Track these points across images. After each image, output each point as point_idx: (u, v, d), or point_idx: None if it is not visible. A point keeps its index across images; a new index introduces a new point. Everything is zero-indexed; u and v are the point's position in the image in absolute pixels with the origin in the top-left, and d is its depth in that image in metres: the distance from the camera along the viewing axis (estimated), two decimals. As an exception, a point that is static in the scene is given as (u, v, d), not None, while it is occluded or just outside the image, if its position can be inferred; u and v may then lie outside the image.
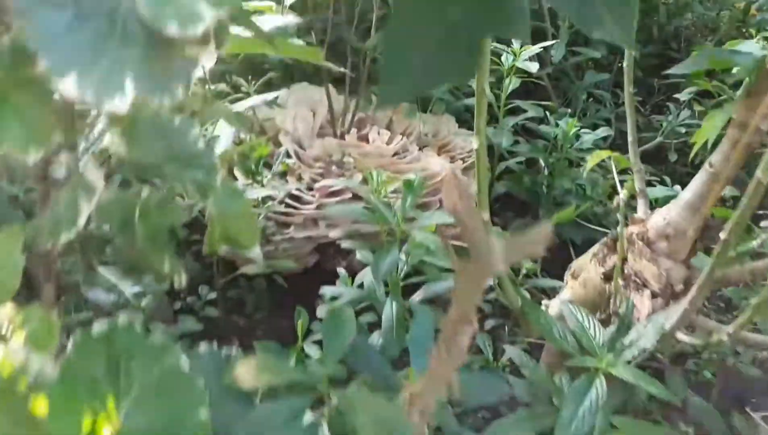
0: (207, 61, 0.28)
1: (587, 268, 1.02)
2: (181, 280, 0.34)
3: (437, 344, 0.40)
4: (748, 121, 0.84)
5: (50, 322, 0.33)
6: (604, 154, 0.95)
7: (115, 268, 0.64)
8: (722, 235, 0.70)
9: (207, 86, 1.25)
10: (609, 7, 0.35)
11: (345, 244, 0.96)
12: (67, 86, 0.25)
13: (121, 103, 0.25)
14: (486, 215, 0.80)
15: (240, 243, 0.44)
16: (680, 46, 2.12)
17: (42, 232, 0.33)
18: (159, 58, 0.26)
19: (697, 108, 1.72)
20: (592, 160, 0.96)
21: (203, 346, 0.49)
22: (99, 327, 0.35)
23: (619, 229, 0.85)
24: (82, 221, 0.33)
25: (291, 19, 0.87)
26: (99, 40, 0.25)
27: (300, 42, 1.00)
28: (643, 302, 0.91)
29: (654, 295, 0.92)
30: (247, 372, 0.45)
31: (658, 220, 0.94)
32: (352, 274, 1.12)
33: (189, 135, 0.37)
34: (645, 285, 0.93)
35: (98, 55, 0.25)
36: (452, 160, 1.60)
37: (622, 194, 0.79)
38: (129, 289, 0.66)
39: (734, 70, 1.01)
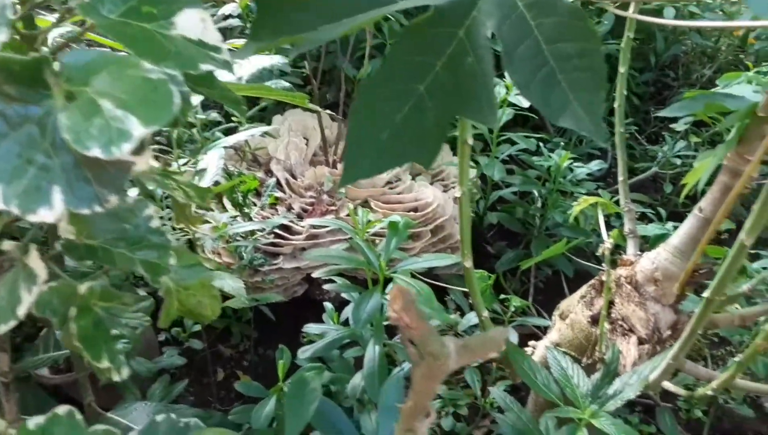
0: (142, 166, 0.27)
1: (575, 309, 1.01)
2: (122, 374, 0.32)
3: (396, 432, 0.39)
4: (738, 168, 0.82)
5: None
6: (591, 199, 0.94)
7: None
8: (705, 294, 0.68)
9: (197, 116, 1.24)
10: (575, 94, 0.33)
11: (328, 287, 0.95)
12: (-9, 198, 0.24)
13: (48, 214, 0.24)
14: (469, 263, 0.79)
15: (201, 315, 0.43)
16: (678, 73, 2.11)
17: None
18: (90, 167, 0.25)
19: (693, 139, 1.71)
20: (578, 206, 0.95)
21: (161, 416, 0.47)
22: (36, 419, 0.34)
23: (605, 277, 0.83)
24: (22, 312, 0.32)
25: (278, 60, 0.86)
26: (26, 149, 0.24)
27: (286, 83, 1.00)
28: (629, 349, 0.89)
29: (641, 341, 0.91)
30: (204, 449, 0.43)
31: (646, 263, 0.92)
32: (341, 303, 1.11)
33: (141, 214, 0.36)
34: (632, 330, 0.92)
35: (25, 164, 0.24)
36: (445, 188, 1.59)
37: (608, 243, 0.78)
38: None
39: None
